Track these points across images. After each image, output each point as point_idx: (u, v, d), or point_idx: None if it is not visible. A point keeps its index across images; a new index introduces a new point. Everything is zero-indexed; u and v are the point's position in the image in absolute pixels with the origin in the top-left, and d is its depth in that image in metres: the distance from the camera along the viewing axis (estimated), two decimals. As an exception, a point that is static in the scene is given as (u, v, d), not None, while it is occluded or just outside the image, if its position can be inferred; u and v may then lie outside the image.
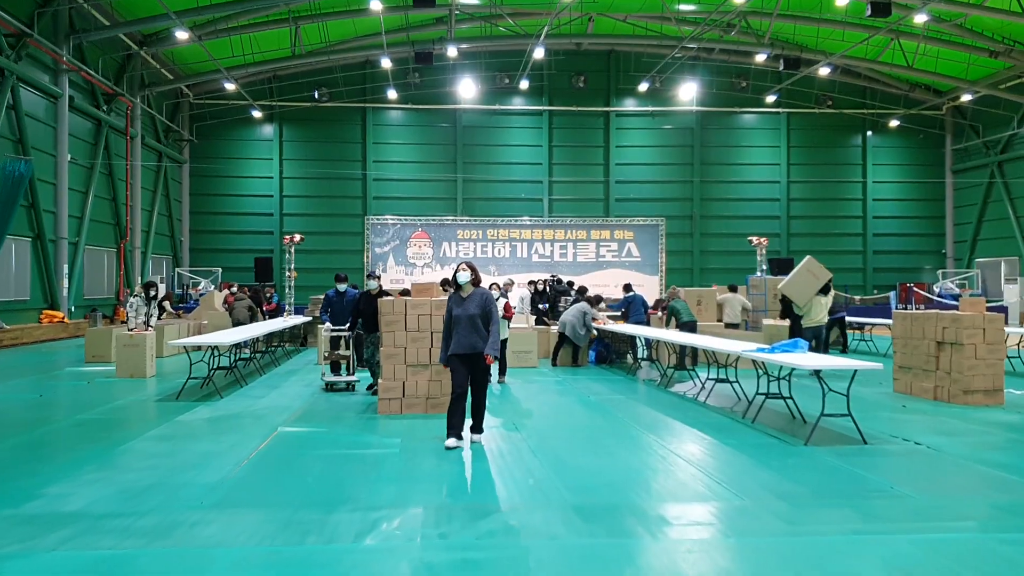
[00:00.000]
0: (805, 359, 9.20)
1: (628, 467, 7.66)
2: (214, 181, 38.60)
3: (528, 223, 34.06)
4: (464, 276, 8.72)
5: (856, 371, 8.90)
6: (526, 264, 33.05)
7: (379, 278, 12.78)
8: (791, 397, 10.23)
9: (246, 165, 38.60)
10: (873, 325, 22.09)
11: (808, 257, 15.02)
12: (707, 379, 12.53)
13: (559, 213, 37.44)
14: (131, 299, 15.22)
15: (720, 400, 11.94)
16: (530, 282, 22.37)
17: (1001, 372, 11.62)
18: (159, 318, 18.13)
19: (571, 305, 17.67)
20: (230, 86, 33.78)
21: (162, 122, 35.15)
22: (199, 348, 13.13)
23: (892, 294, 34.43)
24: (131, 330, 14.64)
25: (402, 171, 38.33)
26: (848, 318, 22.17)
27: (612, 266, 33.62)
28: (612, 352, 17.81)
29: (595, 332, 17.33)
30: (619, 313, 18.20)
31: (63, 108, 26.04)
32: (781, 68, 33.67)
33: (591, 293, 18.79)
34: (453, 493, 6.74)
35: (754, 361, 10.23)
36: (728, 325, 19.07)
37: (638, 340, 17.25)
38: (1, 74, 22.53)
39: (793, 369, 9.45)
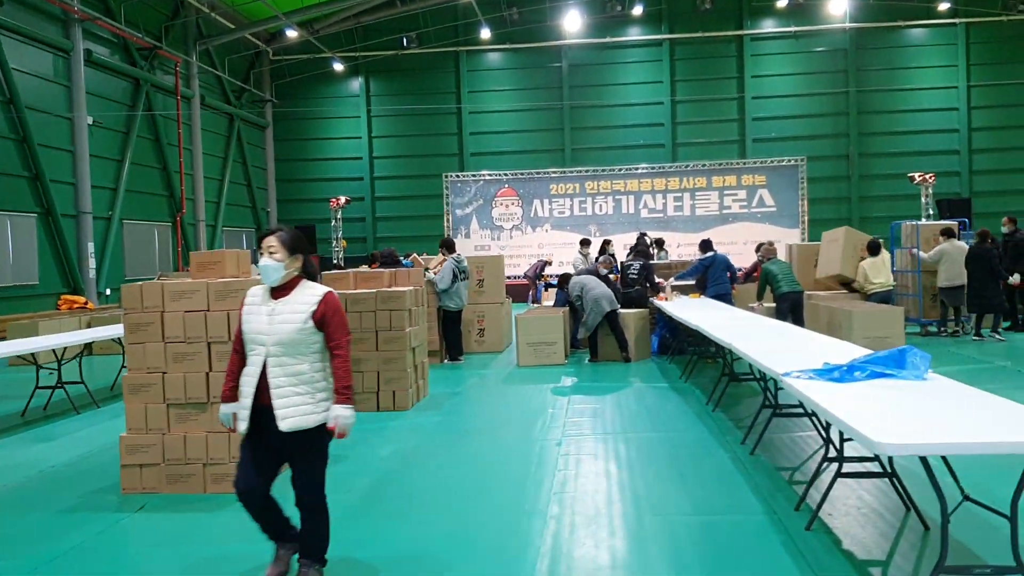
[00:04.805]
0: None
1: None
2: (299, 145, 35.36)
3: (643, 172, 28.57)
4: None
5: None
6: (633, 221, 27.38)
7: None
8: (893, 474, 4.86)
9: (332, 125, 35.03)
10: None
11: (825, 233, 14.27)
12: (761, 404, 7.07)
13: (686, 160, 31.74)
14: None
15: (785, 453, 6.59)
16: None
17: None
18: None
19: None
20: (292, 33, 29.98)
21: (229, 81, 31.76)
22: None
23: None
24: None
25: (502, 122, 33.69)
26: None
27: (740, 219, 27.47)
28: (682, 340, 12.43)
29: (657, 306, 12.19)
30: (692, 282, 12.84)
31: (77, 63, 22.73)
32: (957, -39, 26.96)
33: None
34: None
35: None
36: (871, 296, 13.05)
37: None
38: (-24, 24, 19.39)
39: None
